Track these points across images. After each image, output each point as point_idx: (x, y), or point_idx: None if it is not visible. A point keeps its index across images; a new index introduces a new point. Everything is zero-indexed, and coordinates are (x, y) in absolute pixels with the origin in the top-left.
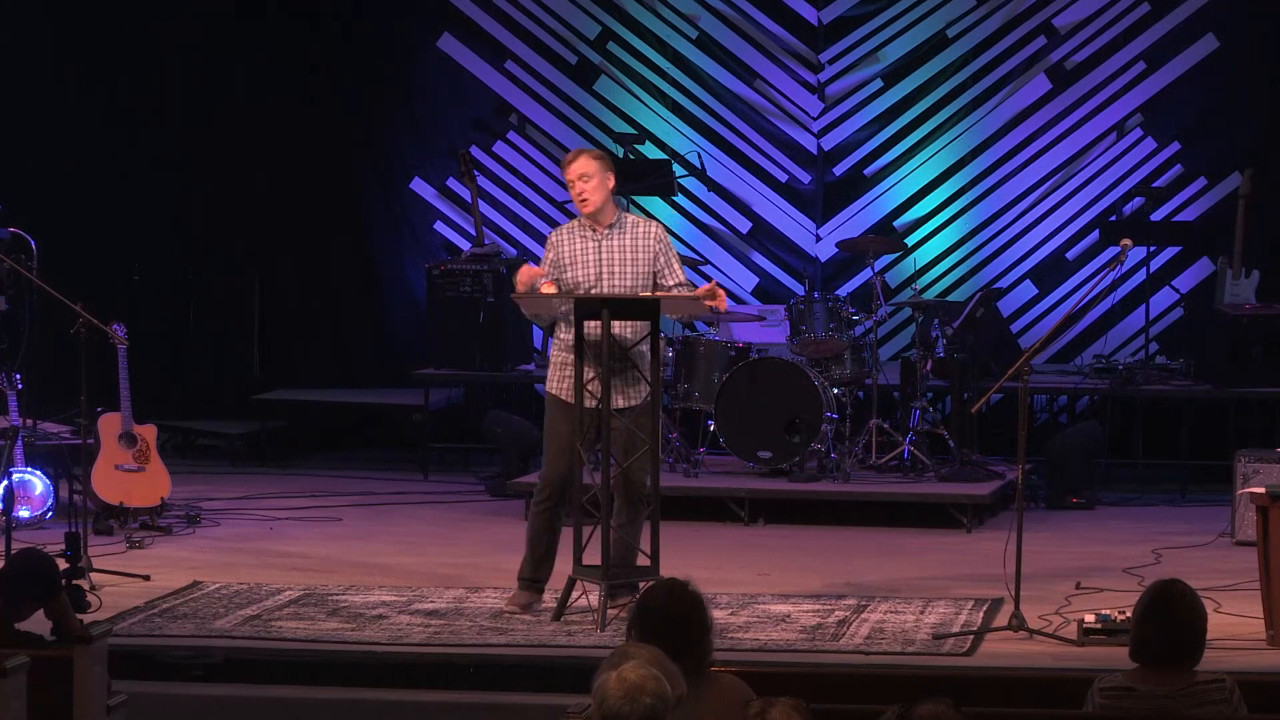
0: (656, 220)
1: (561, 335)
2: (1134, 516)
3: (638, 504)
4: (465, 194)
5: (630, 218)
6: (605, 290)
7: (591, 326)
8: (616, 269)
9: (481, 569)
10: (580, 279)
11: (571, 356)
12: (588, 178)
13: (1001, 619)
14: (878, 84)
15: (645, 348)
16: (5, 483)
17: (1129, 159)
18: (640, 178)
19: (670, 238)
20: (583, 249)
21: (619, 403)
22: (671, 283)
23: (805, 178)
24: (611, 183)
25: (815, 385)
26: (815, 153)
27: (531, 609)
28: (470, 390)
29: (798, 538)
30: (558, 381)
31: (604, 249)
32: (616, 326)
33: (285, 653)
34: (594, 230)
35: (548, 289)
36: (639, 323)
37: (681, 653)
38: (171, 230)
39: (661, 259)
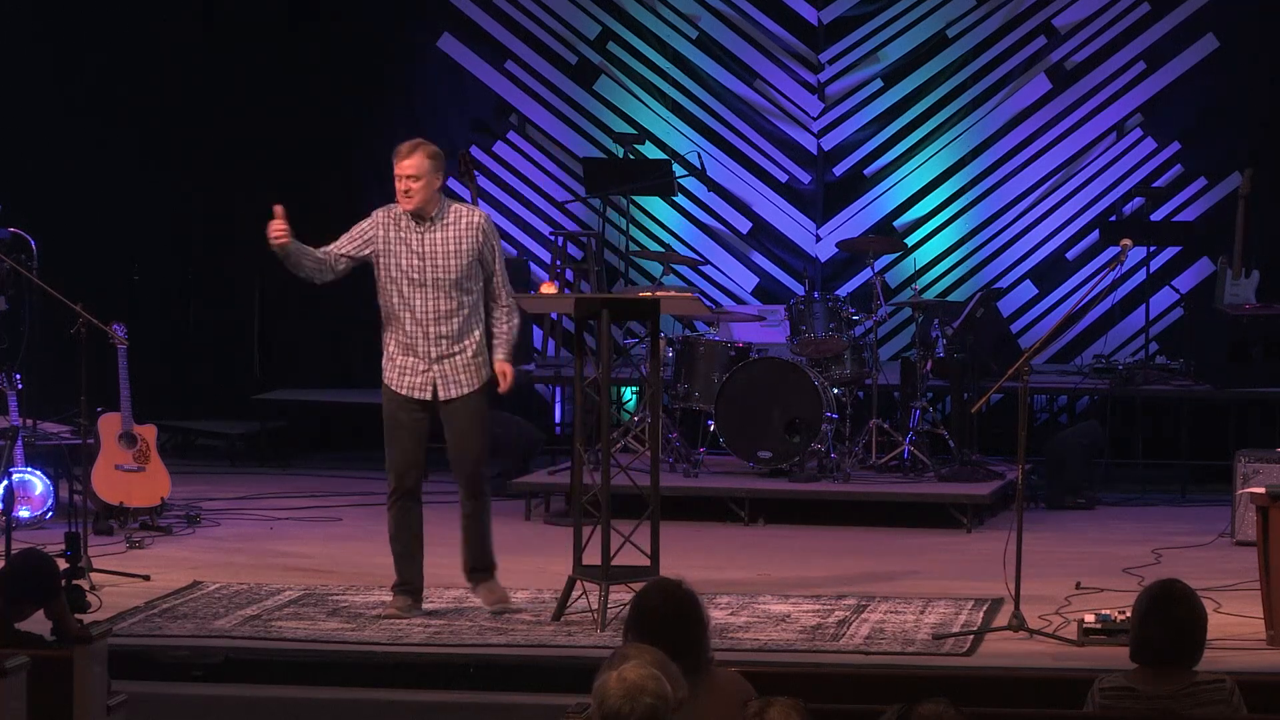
0: (481, 210)
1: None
2: (1134, 516)
3: (476, 495)
4: (465, 194)
5: (455, 207)
6: (429, 279)
7: (411, 322)
8: (440, 261)
9: None
10: (404, 268)
11: (396, 350)
12: (415, 178)
13: (1001, 619)
14: (878, 84)
15: (469, 341)
16: (5, 483)
17: (1129, 159)
18: (640, 178)
19: (494, 228)
20: (404, 239)
21: (449, 393)
22: (494, 269)
23: (805, 178)
24: (439, 182)
25: (815, 385)
26: (815, 153)
27: (409, 613)
28: None
29: (798, 538)
30: (388, 372)
31: (425, 242)
32: (433, 316)
33: (285, 653)
34: (416, 223)
35: (548, 289)
36: (456, 312)
37: (680, 652)
38: (171, 230)
39: (485, 249)
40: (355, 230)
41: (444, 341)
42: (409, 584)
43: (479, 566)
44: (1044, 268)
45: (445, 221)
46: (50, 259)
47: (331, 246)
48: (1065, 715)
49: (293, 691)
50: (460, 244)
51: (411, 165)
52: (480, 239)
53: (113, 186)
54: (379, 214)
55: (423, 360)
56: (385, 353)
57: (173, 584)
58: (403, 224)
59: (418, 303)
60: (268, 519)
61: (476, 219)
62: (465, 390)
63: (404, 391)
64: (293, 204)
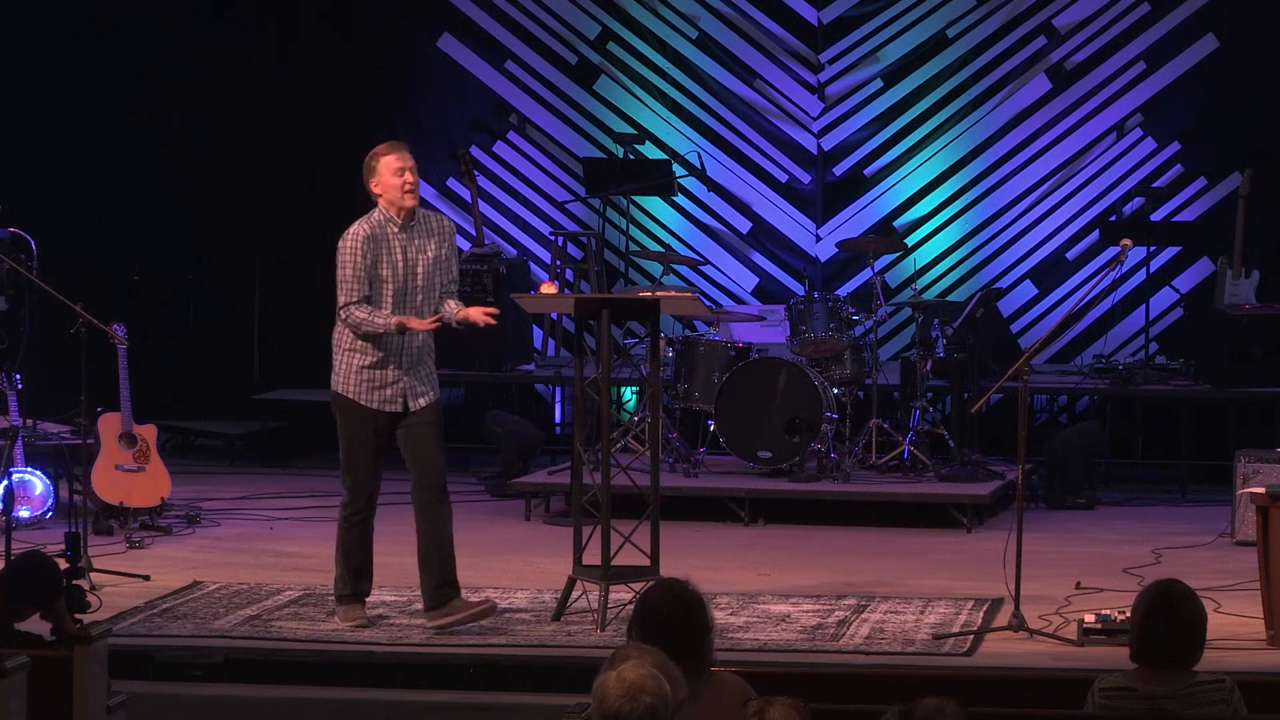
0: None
1: (359, 345)
2: (1134, 516)
3: (443, 501)
4: (465, 194)
5: (423, 212)
6: (420, 283)
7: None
8: (420, 267)
9: (481, 569)
10: (385, 276)
11: (367, 358)
12: (416, 170)
13: (1001, 619)
14: (878, 84)
15: (430, 350)
16: (5, 483)
17: (1129, 159)
18: (640, 178)
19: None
20: (388, 245)
21: (417, 403)
22: (455, 274)
23: (805, 178)
24: None
25: (815, 385)
26: (815, 153)
27: (364, 623)
28: (470, 390)
29: (798, 538)
30: (355, 385)
31: (410, 247)
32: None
33: (285, 653)
34: (398, 228)
35: (548, 289)
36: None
37: (682, 653)
38: (171, 230)
39: (453, 255)
40: (353, 268)
41: (416, 350)
42: (363, 594)
43: (448, 581)
44: (1044, 268)
45: (425, 226)
46: (50, 259)
47: (360, 299)
48: (1065, 715)
49: (293, 691)
50: (440, 249)
51: (410, 159)
52: (451, 244)
53: (113, 187)
54: (357, 233)
55: (392, 371)
56: (348, 366)
57: (173, 584)
58: (383, 230)
59: (398, 311)
60: (268, 519)
61: (447, 224)
62: (427, 401)
63: (375, 405)
64: (293, 204)
